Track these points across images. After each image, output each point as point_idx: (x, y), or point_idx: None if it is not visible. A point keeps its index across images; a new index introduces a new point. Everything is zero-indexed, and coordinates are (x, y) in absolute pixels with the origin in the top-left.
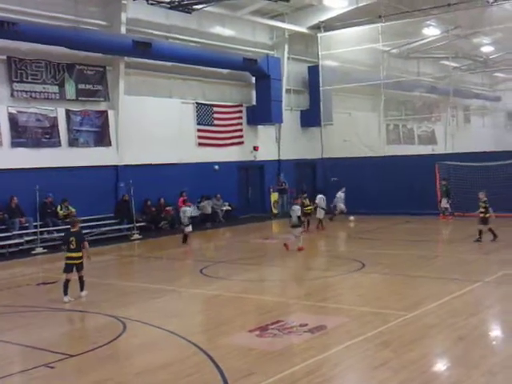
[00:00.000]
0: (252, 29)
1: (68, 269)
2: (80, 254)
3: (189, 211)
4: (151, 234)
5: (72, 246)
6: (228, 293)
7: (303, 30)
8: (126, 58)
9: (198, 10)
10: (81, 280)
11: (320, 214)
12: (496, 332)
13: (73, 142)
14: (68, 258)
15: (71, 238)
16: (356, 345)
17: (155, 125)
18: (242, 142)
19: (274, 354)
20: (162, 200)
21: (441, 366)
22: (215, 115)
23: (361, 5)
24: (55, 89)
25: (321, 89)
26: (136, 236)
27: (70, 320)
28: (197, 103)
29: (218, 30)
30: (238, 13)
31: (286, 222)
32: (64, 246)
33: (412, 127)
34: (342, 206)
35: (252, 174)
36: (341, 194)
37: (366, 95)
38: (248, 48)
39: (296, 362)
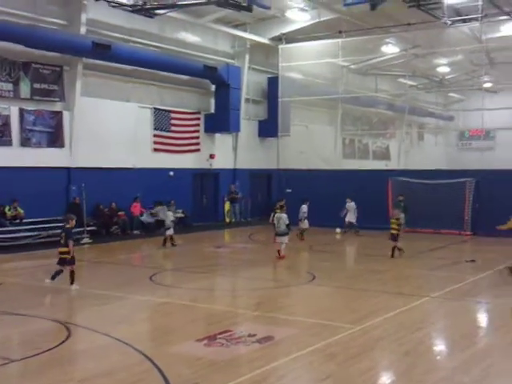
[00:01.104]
0: (214, 37)
1: (59, 262)
2: (67, 249)
3: (171, 215)
4: (102, 239)
5: (61, 241)
6: (177, 301)
7: (265, 40)
8: (84, 58)
9: (160, 14)
10: (71, 274)
11: (304, 224)
12: (440, 347)
13: (25, 142)
14: (59, 253)
15: (62, 234)
16: (303, 356)
17: (111, 128)
18: (198, 150)
19: (221, 364)
20: (114, 204)
21: (386, 379)
22: (173, 121)
23: (322, 19)
24: (9, 86)
25: (279, 100)
26: (86, 240)
27: (12, 323)
28: (154, 108)
29: (180, 35)
30: (200, 20)
31: (238, 232)
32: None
33: (367, 142)
34: (352, 216)
35: (207, 181)
36: (349, 205)
37: (324, 109)
38: (209, 56)
39: (243, 373)
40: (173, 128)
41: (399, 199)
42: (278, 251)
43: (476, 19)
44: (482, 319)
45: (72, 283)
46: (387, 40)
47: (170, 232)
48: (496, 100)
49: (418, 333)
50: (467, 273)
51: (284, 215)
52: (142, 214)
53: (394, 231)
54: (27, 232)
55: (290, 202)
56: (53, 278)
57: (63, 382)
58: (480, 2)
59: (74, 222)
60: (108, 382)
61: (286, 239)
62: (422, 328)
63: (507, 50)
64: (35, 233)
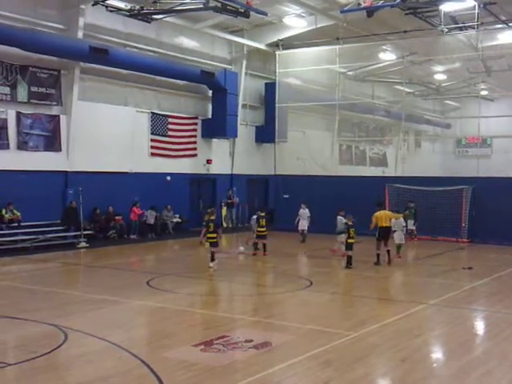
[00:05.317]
0: (211, 42)
1: (211, 245)
2: (215, 235)
3: (344, 219)
4: (98, 243)
5: (210, 229)
6: (174, 306)
7: (262, 46)
8: (81, 63)
9: (157, 19)
10: (212, 254)
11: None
12: (437, 354)
13: (22, 146)
14: (208, 238)
15: (210, 224)
16: (300, 362)
17: (108, 132)
18: (195, 155)
19: (218, 370)
20: (111, 209)
21: None
22: (170, 126)
23: (320, 26)
24: (6, 90)
25: (276, 106)
26: (83, 244)
27: (9, 327)
28: (152, 113)
29: (177, 40)
30: (197, 25)
31: (235, 237)
32: (205, 229)
33: (364, 149)
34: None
35: (204, 186)
36: (395, 222)
37: (321, 115)
38: (206, 61)
39: (238, 379)
40: (170, 133)
41: (410, 206)
42: (334, 250)
43: (472, 27)
44: (479, 327)
45: (212, 261)
46: (384, 47)
47: (341, 238)
48: (492, 108)
49: (415, 340)
50: (464, 280)
51: (341, 217)
52: (143, 216)
53: (351, 240)
54: (24, 235)
55: (286, 207)
56: (211, 260)
57: None
58: (476, 11)
59: (215, 214)
60: None
61: (340, 238)
62: (419, 335)
63: (503, 58)
64: (32, 236)
